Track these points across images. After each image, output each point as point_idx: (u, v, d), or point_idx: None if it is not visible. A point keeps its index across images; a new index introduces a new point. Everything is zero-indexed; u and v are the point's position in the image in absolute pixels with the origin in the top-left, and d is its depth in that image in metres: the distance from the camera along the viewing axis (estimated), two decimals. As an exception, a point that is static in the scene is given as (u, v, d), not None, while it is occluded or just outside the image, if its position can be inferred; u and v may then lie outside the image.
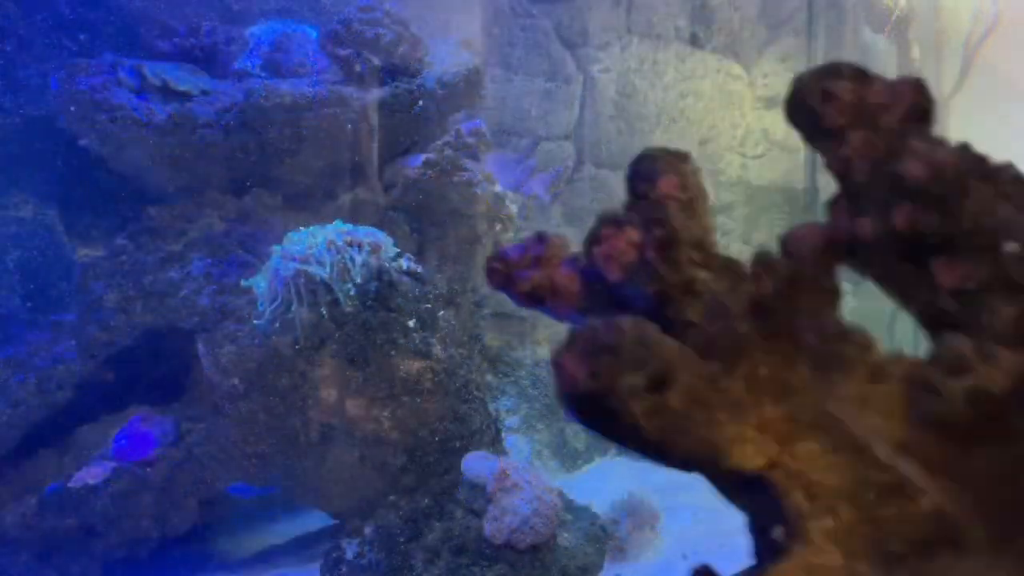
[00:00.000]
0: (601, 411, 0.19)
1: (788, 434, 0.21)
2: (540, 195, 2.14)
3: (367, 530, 1.59)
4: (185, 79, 1.89)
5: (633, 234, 0.25)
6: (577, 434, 1.90)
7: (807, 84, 0.24)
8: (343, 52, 1.97)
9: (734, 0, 2.88)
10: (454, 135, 2.04)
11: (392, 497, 1.61)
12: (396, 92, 1.96)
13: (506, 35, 2.57)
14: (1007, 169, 0.21)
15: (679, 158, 0.26)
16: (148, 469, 1.62)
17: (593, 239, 0.26)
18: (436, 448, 1.62)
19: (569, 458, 1.88)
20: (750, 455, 0.21)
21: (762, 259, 0.24)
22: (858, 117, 0.23)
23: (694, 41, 2.86)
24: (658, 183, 0.25)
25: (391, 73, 2.01)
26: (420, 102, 2.00)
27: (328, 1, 2.27)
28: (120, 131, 1.76)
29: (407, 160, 2.02)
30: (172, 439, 1.67)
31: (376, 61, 1.98)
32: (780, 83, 2.97)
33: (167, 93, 1.86)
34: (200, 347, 1.67)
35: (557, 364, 0.20)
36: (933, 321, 0.22)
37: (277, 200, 1.90)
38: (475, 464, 1.55)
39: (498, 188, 2.02)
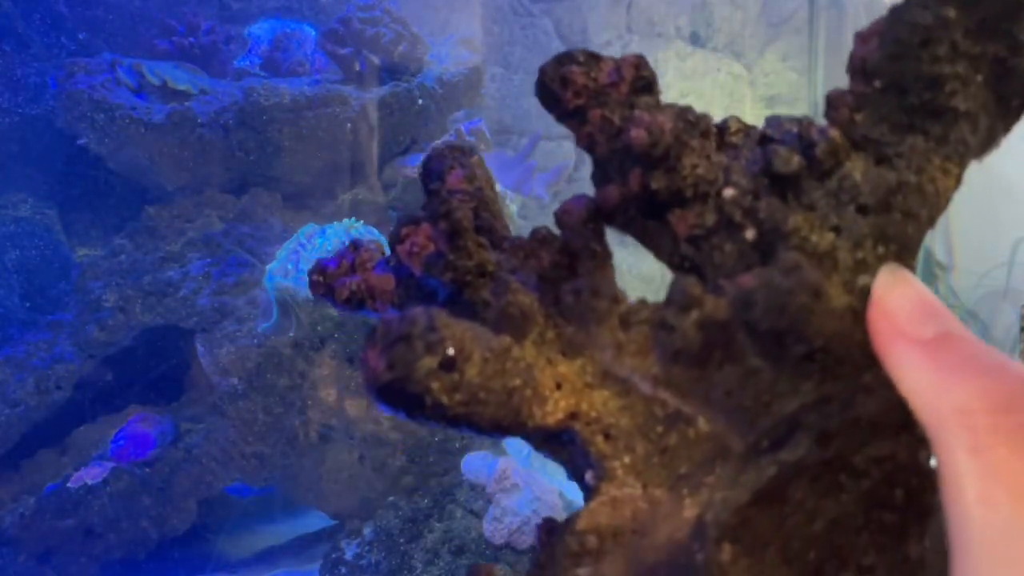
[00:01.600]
0: (404, 397, 0.21)
1: (583, 387, 0.23)
2: (540, 195, 2.14)
3: (367, 531, 1.59)
4: (184, 78, 1.88)
5: (428, 229, 0.27)
6: (577, 434, 1.90)
7: (548, 73, 0.25)
8: (343, 51, 1.97)
9: (735, -1, 2.88)
10: (454, 134, 2.03)
11: (392, 498, 1.61)
12: (396, 91, 1.96)
13: (506, 34, 2.57)
14: (724, 124, 0.24)
15: (465, 153, 0.27)
16: (147, 469, 1.62)
17: (396, 238, 0.28)
18: (436, 449, 1.62)
19: (569, 458, 1.88)
20: (550, 412, 0.22)
21: (538, 234, 0.26)
22: (592, 97, 0.25)
23: (695, 40, 2.85)
24: (446, 179, 0.27)
25: (391, 72, 2.00)
26: (420, 101, 1.99)
27: (327, 0, 2.27)
28: (119, 130, 1.76)
29: (407, 159, 2.01)
30: (171, 439, 1.66)
31: (376, 60, 1.98)
32: (781, 82, 2.96)
33: (166, 92, 1.85)
34: (199, 347, 1.66)
35: (361, 361, 0.21)
36: (679, 268, 0.24)
37: (276, 199, 1.90)
38: (475, 465, 1.55)
39: (498, 187, 2.01)
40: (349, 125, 1.90)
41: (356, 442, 1.63)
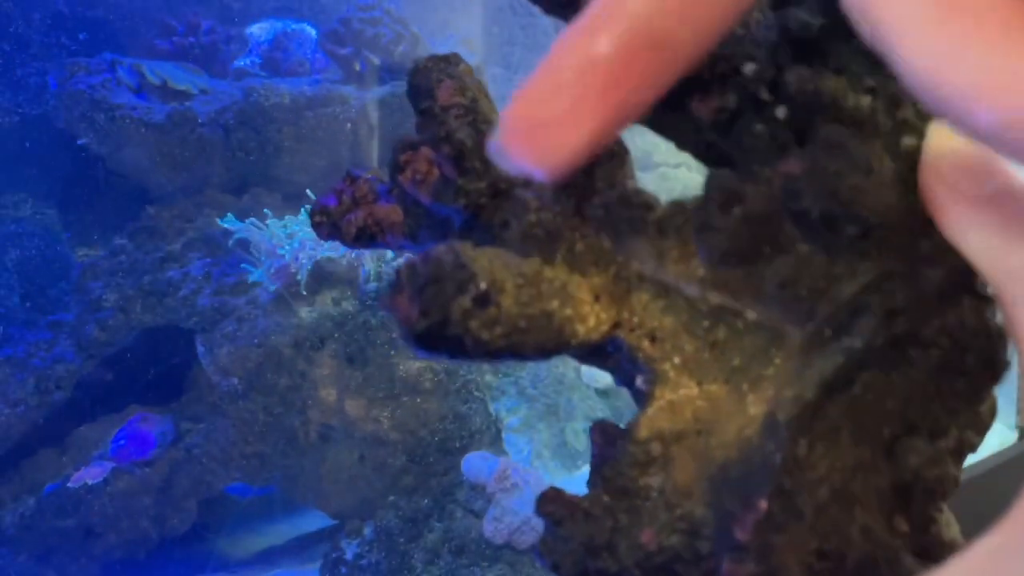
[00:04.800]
0: (444, 341, 0.20)
1: (620, 294, 0.22)
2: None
3: (367, 531, 1.59)
4: (184, 78, 1.89)
5: (428, 153, 0.25)
6: (577, 434, 1.90)
7: None
8: (343, 51, 1.97)
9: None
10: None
11: (392, 497, 1.61)
12: (396, 91, 1.96)
13: (506, 34, 2.56)
14: None
15: (449, 61, 0.25)
16: (147, 469, 1.62)
17: (396, 166, 0.26)
18: (436, 448, 1.62)
19: (569, 458, 1.88)
20: (593, 327, 0.22)
21: None
22: None
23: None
24: (437, 94, 0.25)
25: (391, 72, 2.00)
26: (420, 101, 1.99)
27: (327, 0, 2.27)
28: (119, 130, 1.76)
29: (407, 159, 2.01)
30: (171, 439, 1.66)
31: (376, 60, 1.98)
32: (781, 82, 2.96)
33: (166, 92, 1.85)
34: (199, 347, 1.66)
35: (391, 308, 0.20)
36: (706, 156, 0.23)
37: (276, 199, 1.90)
38: (475, 464, 1.55)
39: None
40: (349, 125, 1.90)
41: (356, 442, 1.63)
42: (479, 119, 0.25)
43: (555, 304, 0.21)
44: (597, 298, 0.22)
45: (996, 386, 0.22)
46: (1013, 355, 0.21)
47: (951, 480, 0.22)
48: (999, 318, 0.21)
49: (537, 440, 1.87)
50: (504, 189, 0.24)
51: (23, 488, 1.64)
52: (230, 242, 1.69)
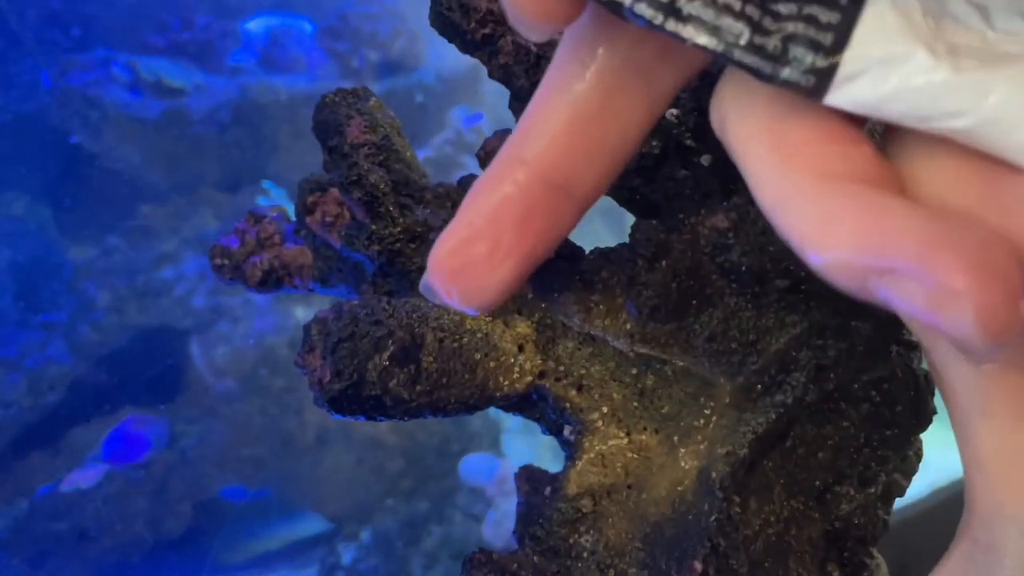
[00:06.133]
0: (360, 403, 0.19)
1: (545, 342, 0.21)
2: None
3: (364, 535, 1.58)
4: (179, 74, 1.87)
5: (338, 195, 0.24)
6: (578, 436, 1.88)
7: (445, 0, 0.23)
8: (340, 47, 1.96)
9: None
10: (453, 131, 2.02)
11: (390, 501, 1.60)
12: (394, 87, 1.95)
13: (506, 30, 2.55)
14: None
15: (359, 96, 0.24)
16: (141, 472, 1.61)
17: (303, 207, 0.25)
18: (434, 451, 1.61)
19: (570, 460, 1.87)
20: (517, 378, 0.21)
21: (467, 182, 0.23)
22: (500, 23, 0.22)
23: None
24: (346, 131, 0.23)
25: (389, 68, 1.99)
26: (419, 98, 1.98)
27: (325, -5, 2.25)
28: (113, 128, 1.76)
29: (405, 157, 2.00)
30: (166, 441, 1.65)
31: (374, 56, 1.97)
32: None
33: (161, 89, 1.84)
34: (194, 348, 1.65)
35: (302, 368, 0.19)
36: (630, 202, 0.22)
37: (273, 197, 1.89)
38: (474, 468, 1.54)
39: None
40: (347, 122, 1.89)
41: (353, 444, 1.62)
42: (392, 158, 0.23)
43: (478, 356, 0.21)
44: (521, 348, 0.21)
45: (924, 432, 0.22)
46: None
47: (881, 524, 0.22)
48: (925, 364, 0.21)
49: (538, 442, 1.85)
50: (421, 233, 0.23)
51: (15, 491, 1.63)
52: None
